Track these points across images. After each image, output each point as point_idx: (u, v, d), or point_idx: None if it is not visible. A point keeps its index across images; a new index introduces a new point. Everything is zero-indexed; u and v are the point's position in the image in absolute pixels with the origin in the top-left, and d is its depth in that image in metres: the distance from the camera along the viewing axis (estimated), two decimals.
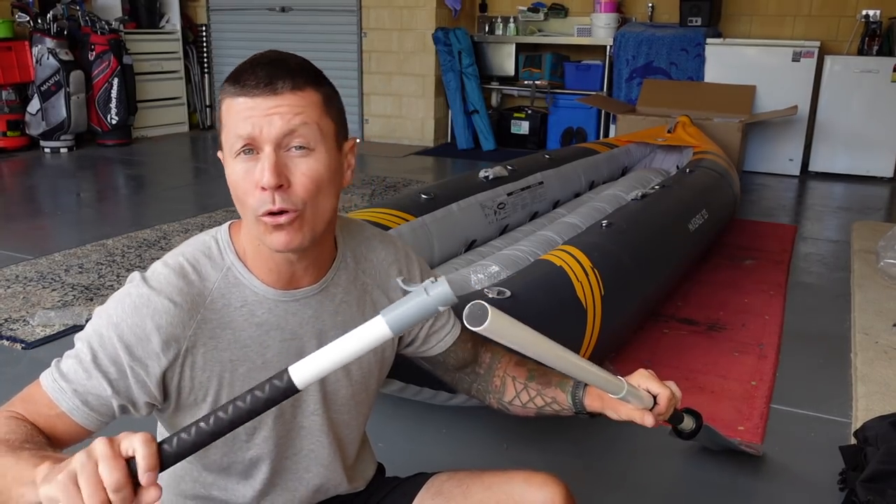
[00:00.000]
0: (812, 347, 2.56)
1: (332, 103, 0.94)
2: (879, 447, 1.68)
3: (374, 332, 0.76)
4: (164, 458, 0.73)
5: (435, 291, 0.75)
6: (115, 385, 0.91)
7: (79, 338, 0.93)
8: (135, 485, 0.70)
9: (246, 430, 1.01)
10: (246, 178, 0.89)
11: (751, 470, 1.85)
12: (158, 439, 0.72)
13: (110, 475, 0.68)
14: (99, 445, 0.70)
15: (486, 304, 0.74)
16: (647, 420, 1.07)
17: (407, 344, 1.17)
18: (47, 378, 0.92)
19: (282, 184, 0.88)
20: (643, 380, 1.09)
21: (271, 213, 0.89)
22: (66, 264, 3.24)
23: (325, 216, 0.94)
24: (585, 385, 1.12)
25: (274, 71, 0.89)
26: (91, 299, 2.85)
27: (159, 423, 1.07)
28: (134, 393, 0.92)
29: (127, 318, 0.91)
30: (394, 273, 1.10)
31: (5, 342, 2.47)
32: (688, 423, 1.33)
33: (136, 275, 0.95)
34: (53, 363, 0.93)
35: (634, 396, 1.06)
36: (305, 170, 0.90)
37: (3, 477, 0.77)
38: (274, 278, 0.98)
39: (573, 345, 2.01)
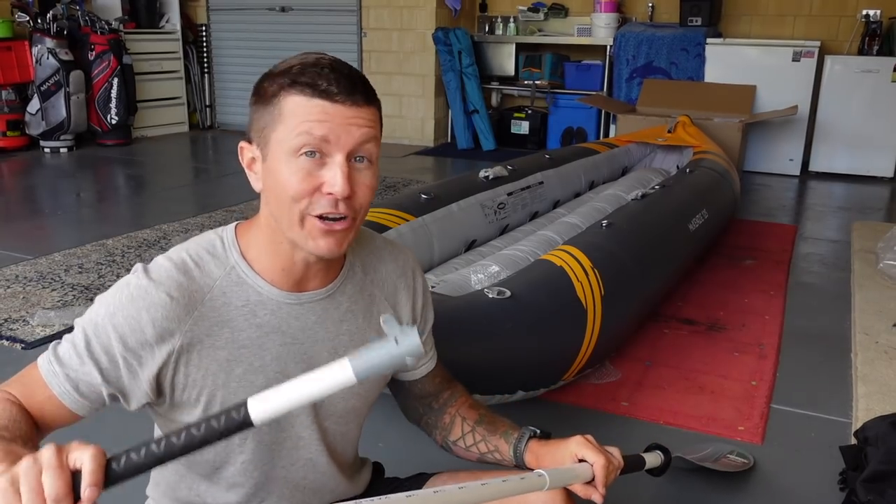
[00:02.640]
0: (812, 347, 2.56)
1: (382, 121, 0.97)
2: (880, 447, 1.68)
3: (338, 374, 0.76)
4: (111, 476, 0.71)
5: (404, 342, 0.76)
6: (106, 374, 0.91)
7: (77, 322, 0.94)
8: (76, 498, 0.69)
9: (239, 437, 0.99)
10: (307, 179, 0.89)
11: (751, 469, 1.85)
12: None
13: (52, 485, 0.68)
14: (46, 453, 0.69)
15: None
16: (594, 497, 1.04)
17: None
18: (43, 360, 0.93)
19: (350, 194, 0.90)
20: (578, 448, 1.05)
21: (326, 218, 0.90)
22: (65, 264, 3.24)
23: (361, 225, 0.97)
24: (528, 439, 1.10)
25: (353, 81, 0.90)
26: (91, 299, 2.84)
27: (155, 424, 1.07)
28: (125, 384, 0.92)
29: (123, 309, 0.91)
30: (401, 287, 1.10)
31: (5, 342, 2.47)
32: (653, 460, 1.30)
33: (138, 266, 0.96)
34: (52, 345, 0.94)
35: (567, 478, 1.01)
36: (368, 181, 0.93)
37: None
38: (283, 279, 0.97)
39: (573, 345, 2.01)
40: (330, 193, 0.89)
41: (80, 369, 0.91)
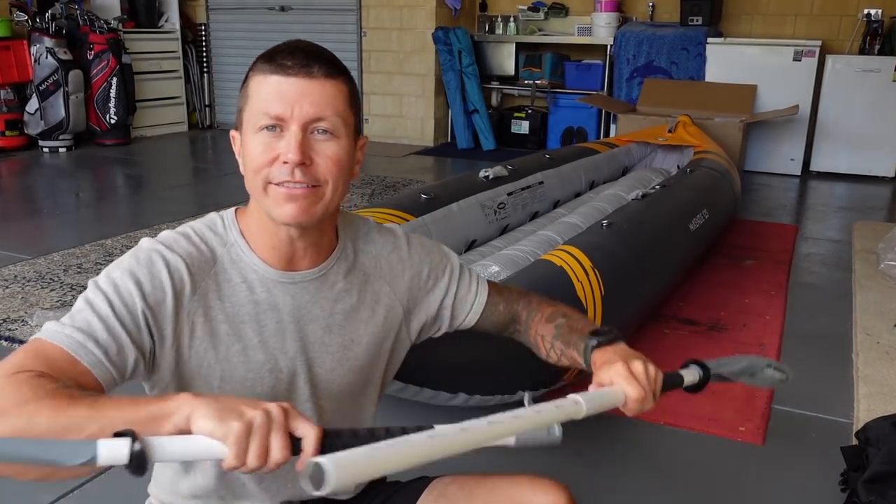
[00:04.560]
0: (813, 348, 2.56)
1: (355, 98, 0.98)
2: (881, 448, 1.67)
3: (496, 431, 0.82)
4: (323, 451, 0.74)
5: (553, 435, 0.88)
6: (132, 335, 0.89)
7: (90, 289, 0.90)
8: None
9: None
10: (266, 151, 0.92)
11: (752, 470, 1.85)
12: None
13: (279, 451, 0.73)
14: (276, 413, 0.74)
15: (321, 461, 0.65)
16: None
17: (434, 332, 1.18)
18: (59, 334, 0.85)
19: (304, 161, 0.91)
20: (617, 376, 1.03)
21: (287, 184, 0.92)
22: (64, 264, 3.23)
23: (336, 199, 0.97)
24: (596, 345, 1.08)
25: (311, 56, 0.93)
26: None
27: None
28: (145, 344, 0.91)
29: (142, 268, 0.92)
30: (394, 261, 1.11)
31: (4, 342, 2.46)
32: (691, 378, 1.28)
33: (146, 238, 0.97)
34: (58, 322, 0.87)
35: (602, 404, 1.00)
36: (330, 153, 0.94)
37: (95, 420, 0.72)
38: (275, 257, 1.00)
39: None
40: (285, 162, 0.91)
41: (108, 334, 0.86)
